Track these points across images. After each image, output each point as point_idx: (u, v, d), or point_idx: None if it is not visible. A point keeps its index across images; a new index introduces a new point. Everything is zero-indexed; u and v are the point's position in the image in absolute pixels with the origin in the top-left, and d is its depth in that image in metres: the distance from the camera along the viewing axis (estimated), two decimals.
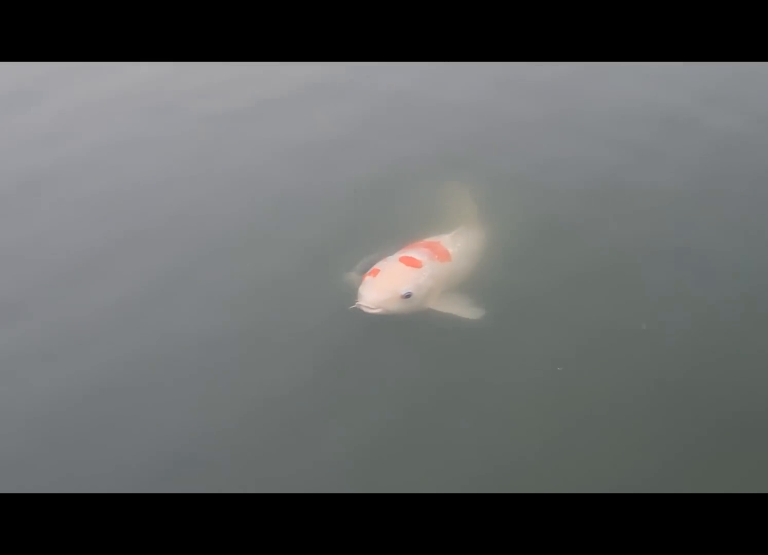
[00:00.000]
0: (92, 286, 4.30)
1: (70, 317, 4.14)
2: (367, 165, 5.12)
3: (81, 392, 3.77)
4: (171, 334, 4.04)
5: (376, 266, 3.98)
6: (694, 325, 4.00)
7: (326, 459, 3.46)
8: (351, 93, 5.88)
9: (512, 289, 4.24)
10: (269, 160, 5.21)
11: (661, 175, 4.98)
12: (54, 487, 3.29)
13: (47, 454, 3.54)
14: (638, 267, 4.33)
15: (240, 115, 5.64)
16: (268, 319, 4.11)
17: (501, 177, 4.99)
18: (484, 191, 4.76)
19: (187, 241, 4.59)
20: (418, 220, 4.54)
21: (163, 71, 5.94)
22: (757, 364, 3.80)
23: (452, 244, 4.24)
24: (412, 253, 4.06)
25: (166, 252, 4.53)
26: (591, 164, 5.08)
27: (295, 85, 5.91)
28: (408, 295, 3.84)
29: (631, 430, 3.55)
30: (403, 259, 3.99)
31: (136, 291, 4.25)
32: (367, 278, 3.90)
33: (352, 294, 3.89)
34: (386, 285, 3.85)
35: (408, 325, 4.00)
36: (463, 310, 3.99)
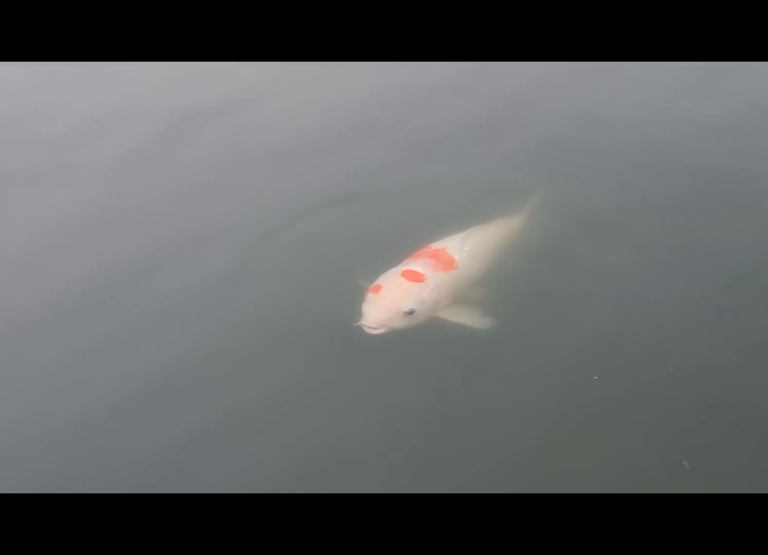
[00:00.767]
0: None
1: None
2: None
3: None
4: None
5: (378, 281, 3.97)
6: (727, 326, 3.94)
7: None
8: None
9: (534, 288, 4.25)
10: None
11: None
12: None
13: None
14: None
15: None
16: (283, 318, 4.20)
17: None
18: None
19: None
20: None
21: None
22: None
23: (459, 249, 4.21)
24: (415, 265, 4.04)
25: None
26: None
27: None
28: (411, 312, 3.84)
29: (667, 433, 3.50)
30: (405, 274, 3.97)
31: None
32: (369, 295, 3.90)
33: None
34: (388, 302, 3.84)
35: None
36: (473, 319, 3.98)
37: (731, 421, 3.47)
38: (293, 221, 4.79)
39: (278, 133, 5.75)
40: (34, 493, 3.06)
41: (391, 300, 3.87)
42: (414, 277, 3.96)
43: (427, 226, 4.55)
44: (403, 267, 4.06)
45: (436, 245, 4.25)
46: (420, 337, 3.96)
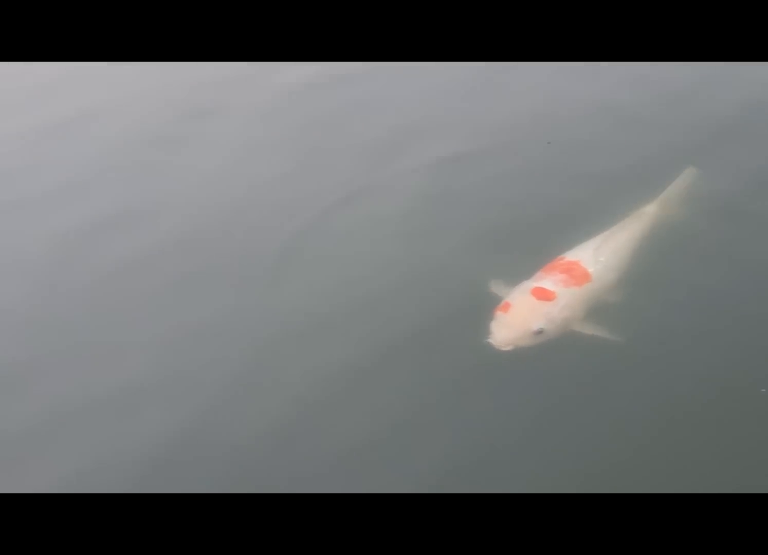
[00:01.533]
0: None
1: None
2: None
3: None
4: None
5: (508, 299, 3.99)
6: None
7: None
8: None
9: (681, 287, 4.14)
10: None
11: None
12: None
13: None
14: None
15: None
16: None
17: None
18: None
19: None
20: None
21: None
22: None
23: (593, 260, 4.15)
24: (545, 282, 4.02)
25: None
26: None
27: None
28: (540, 332, 3.85)
29: None
30: (534, 292, 3.96)
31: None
32: (498, 314, 3.93)
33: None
34: (517, 322, 3.86)
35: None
36: (608, 331, 3.92)
37: None
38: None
39: None
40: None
41: (519, 320, 3.88)
42: (543, 295, 3.95)
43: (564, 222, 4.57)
44: (534, 283, 4.05)
45: (570, 257, 4.20)
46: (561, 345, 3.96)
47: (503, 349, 3.84)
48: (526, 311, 3.91)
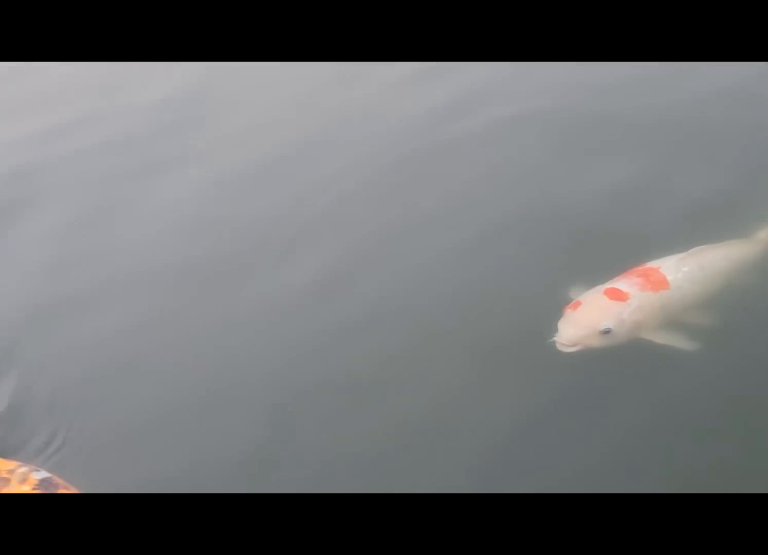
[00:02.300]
0: None
1: None
2: None
3: None
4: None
5: (579, 298, 3.89)
6: None
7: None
8: None
9: None
10: None
11: None
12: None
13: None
14: None
15: None
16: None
17: None
18: None
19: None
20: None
21: None
22: None
23: (675, 269, 3.99)
24: (621, 283, 3.89)
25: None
26: None
27: None
28: (608, 331, 3.71)
29: None
30: (607, 291, 3.84)
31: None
32: (567, 311, 3.82)
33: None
34: (585, 320, 3.74)
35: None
36: (680, 341, 3.78)
37: None
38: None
39: None
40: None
41: (587, 318, 3.75)
42: (616, 295, 3.82)
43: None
44: (609, 284, 3.93)
45: (651, 264, 4.06)
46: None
47: (567, 349, 3.72)
48: (596, 310, 3.79)
